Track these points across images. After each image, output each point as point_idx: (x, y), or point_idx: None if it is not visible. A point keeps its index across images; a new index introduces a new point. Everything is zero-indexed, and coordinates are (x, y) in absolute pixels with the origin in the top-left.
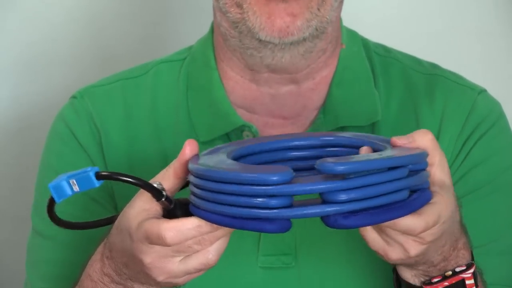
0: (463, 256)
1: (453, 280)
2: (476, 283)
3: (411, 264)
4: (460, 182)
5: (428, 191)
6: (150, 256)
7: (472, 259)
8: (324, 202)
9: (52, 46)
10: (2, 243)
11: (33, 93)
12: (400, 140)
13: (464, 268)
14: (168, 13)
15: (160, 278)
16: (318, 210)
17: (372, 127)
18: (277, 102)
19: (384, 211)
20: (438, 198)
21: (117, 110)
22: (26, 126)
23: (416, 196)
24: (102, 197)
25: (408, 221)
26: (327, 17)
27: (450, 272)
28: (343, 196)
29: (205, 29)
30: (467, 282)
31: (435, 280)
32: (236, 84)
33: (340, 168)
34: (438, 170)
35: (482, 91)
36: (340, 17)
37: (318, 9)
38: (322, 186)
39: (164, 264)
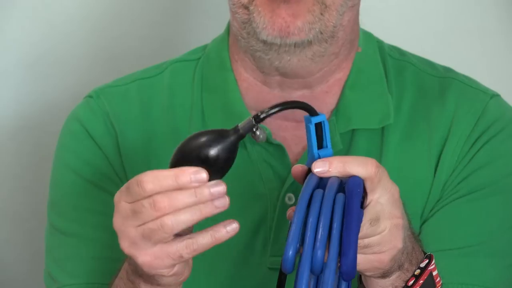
0: (420, 247)
1: (425, 276)
2: (439, 273)
3: (400, 263)
4: (463, 183)
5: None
6: (116, 217)
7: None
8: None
9: (53, 46)
10: (2, 243)
11: (33, 93)
12: (317, 164)
13: (427, 261)
14: (168, 14)
15: (125, 244)
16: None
17: (382, 131)
18: None
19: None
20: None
21: (133, 110)
22: (26, 126)
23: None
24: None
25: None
26: (333, 22)
27: (419, 270)
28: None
29: (206, 30)
30: (434, 273)
31: (411, 282)
32: (250, 86)
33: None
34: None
35: (495, 96)
36: (358, 22)
37: (321, 14)
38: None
39: (125, 226)
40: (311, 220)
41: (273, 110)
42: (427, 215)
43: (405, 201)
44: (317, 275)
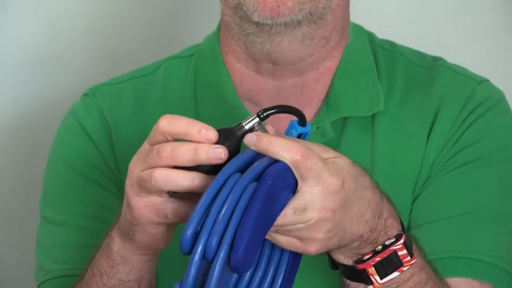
0: (392, 226)
1: (385, 254)
2: (410, 253)
3: (340, 246)
4: (450, 161)
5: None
6: (134, 156)
7: (402, 228)
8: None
9: (52, 46)
10: (2, 243)
11: (33, 93)
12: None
13: (393, 240)
14: (168, 13)
15: (127, 184)
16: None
17: (373, 118)
18: (283, 94)
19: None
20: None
21: (128, 107)
22: (25, 125)
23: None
24: (106, 183)
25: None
26: (323, 3)
27: (380, 247)
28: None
29: (205, 29)
30: (400, 253)
31: (367, 257)
32: (243, 77)
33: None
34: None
35: (483, 81)
36: (348, 11)
37: None
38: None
39: (134, 166)
40: (215, 206)
41: (274, 110)
42: (417, 194)
43: (395, 185)
44: (210, 261)
